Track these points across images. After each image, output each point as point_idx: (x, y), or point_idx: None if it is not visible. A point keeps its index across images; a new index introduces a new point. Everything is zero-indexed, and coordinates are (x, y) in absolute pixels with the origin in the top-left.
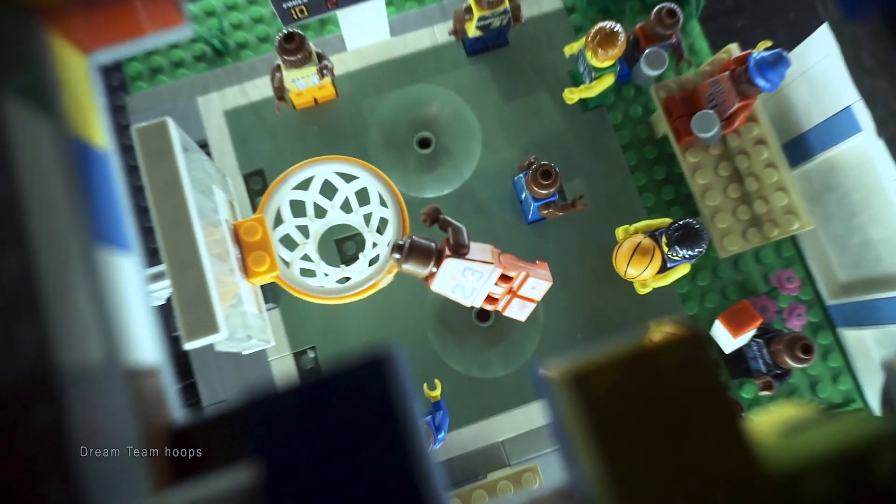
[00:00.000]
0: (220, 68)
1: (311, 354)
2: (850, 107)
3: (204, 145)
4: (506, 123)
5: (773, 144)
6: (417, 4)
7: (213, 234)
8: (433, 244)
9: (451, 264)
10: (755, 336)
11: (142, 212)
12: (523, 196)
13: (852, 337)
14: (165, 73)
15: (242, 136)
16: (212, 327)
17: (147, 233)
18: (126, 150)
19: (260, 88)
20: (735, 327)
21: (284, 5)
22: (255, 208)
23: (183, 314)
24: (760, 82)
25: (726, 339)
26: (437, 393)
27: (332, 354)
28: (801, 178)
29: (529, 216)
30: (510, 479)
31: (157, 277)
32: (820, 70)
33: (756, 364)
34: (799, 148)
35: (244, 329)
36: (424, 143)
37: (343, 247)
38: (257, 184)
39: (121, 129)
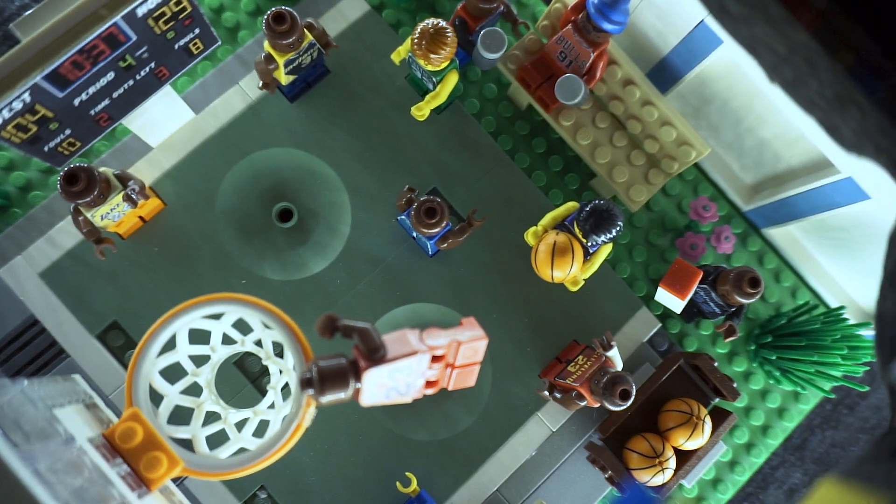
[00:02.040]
0: (10, 226)
1: (263, 495)
2: (703, 21)
3: (33, 323)
4: (363, 159)
5: (641, 81)
6: (211, 64)
7: (79, 472)
8: (344, 360)
9: (373, 374)
10: (699, 282)
11: None
12: (415, 234)
13: (779, 234)
14: None
15: (75, 293)
16: None
17: None
18: None
19: (71, 231)
20: (680, 289)
21: (46, 147)
22: (126, 367)
23: None
24: (607, 26)
25: (675, 302)
26: (413, 487)
27: (286, 485)
28: (676, 99)
29: (430, 251)
30: None
31: None
32: None
33: (708, 307)
34: (664, 73)
35: None
36: (285, 215)
37: (246, 365)
38: (118, 339)
39: None
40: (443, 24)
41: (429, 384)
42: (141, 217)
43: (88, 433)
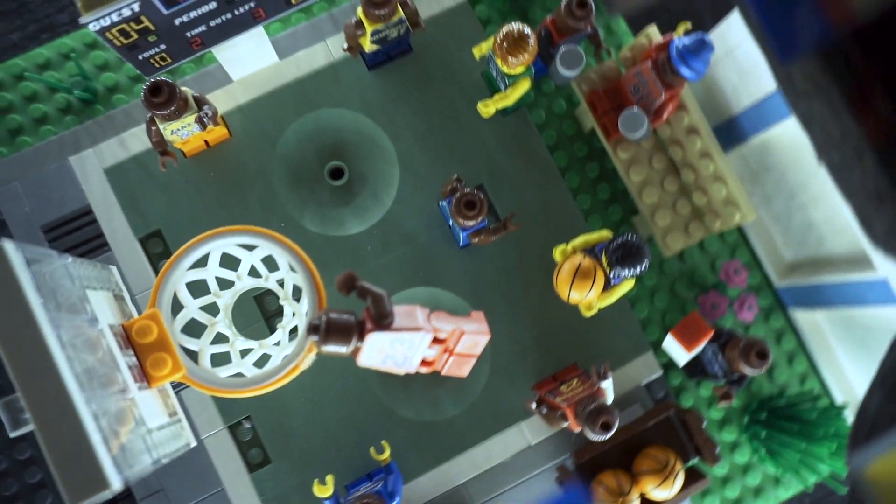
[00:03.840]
0: (90, 120)
1: (248, 425)
2: (777, 91)
3: (87, 212)
4: (422, 139)
5: (706, 133)
6: (305, 17)
7: (93, 352)
8: (352, 318)
9: (375, 338)
10: (710, 340)
11: None
12: (451, 223)
13: (804, 318)
14: (27, 132)
15: (130, 195)
16: (100, 484)
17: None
18: None
19: (141, 138)
20: (688, 342)
21: (140, 56)
22: (158, 273)
23: (61, 474)
24: (685, 72)
25: (680, 354)
26: (386, 455)
27: (271, 422)
28: (738, 159)
29: (461, 242)
30: None
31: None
32: (745, 51)
33: (712, 369)
34: (731, 131)
35: (150, 453)
36: (336, 174)
37: (264, 302)
38: (157, 247)
39: None
40: (528, 30)
41: (425, 363)
42: (206, 141)
43: (111, 320)
